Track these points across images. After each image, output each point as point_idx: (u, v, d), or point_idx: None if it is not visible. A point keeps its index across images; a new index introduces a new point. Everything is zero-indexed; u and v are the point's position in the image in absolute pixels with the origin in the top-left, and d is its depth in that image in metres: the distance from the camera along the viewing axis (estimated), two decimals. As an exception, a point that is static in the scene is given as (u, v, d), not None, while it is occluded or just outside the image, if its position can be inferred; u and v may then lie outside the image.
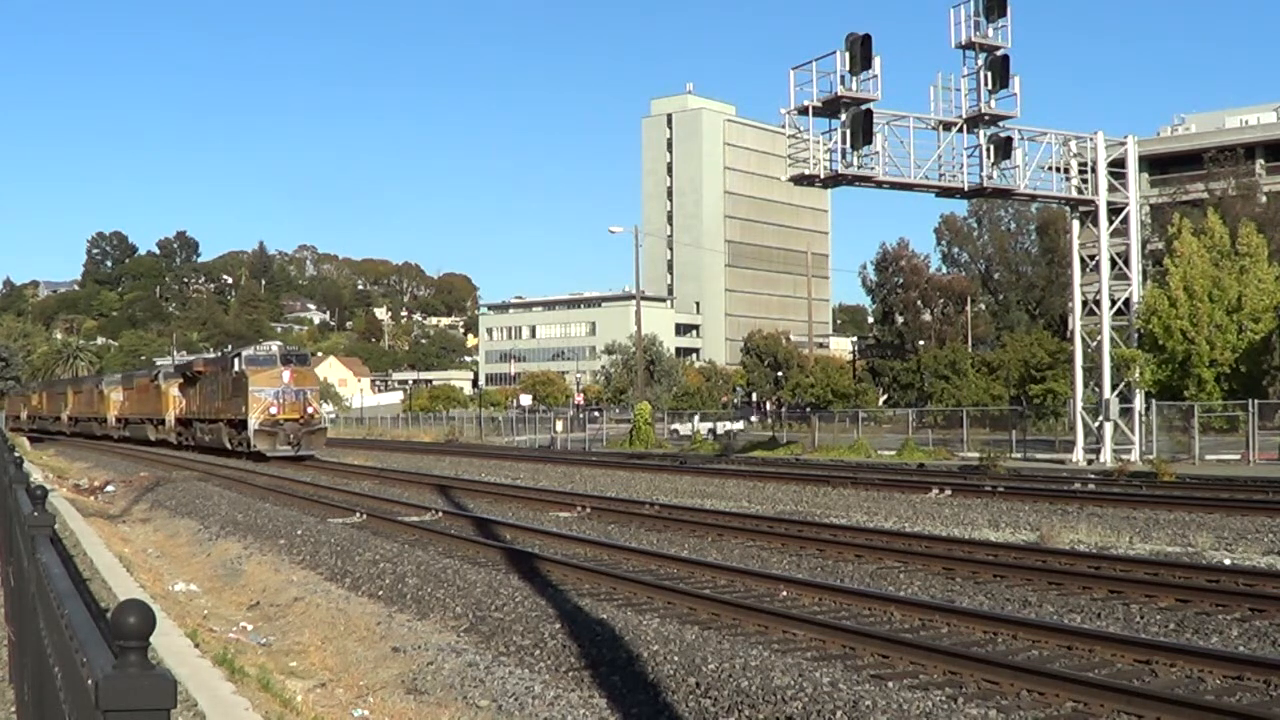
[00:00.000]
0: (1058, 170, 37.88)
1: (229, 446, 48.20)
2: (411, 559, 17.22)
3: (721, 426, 71.50)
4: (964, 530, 21.09)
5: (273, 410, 45.08)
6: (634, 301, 75.47)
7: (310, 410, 46.44)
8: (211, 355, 69.29)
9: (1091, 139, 37.29)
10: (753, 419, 75.79)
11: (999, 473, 33.30)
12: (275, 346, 49.99)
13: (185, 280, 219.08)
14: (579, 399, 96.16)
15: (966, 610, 12.73)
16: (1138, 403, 38.19)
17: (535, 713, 9.59)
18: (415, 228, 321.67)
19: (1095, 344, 38.05)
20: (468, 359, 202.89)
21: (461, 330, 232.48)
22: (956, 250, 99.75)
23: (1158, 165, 77.37)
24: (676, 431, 70.48)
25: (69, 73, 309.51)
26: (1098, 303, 37.99)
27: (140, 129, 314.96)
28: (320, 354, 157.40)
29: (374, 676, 11.21)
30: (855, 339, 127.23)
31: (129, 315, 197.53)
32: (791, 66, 32.21)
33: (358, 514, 24.47)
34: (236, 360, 47.73)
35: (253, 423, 44.83)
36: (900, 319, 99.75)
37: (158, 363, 76.42)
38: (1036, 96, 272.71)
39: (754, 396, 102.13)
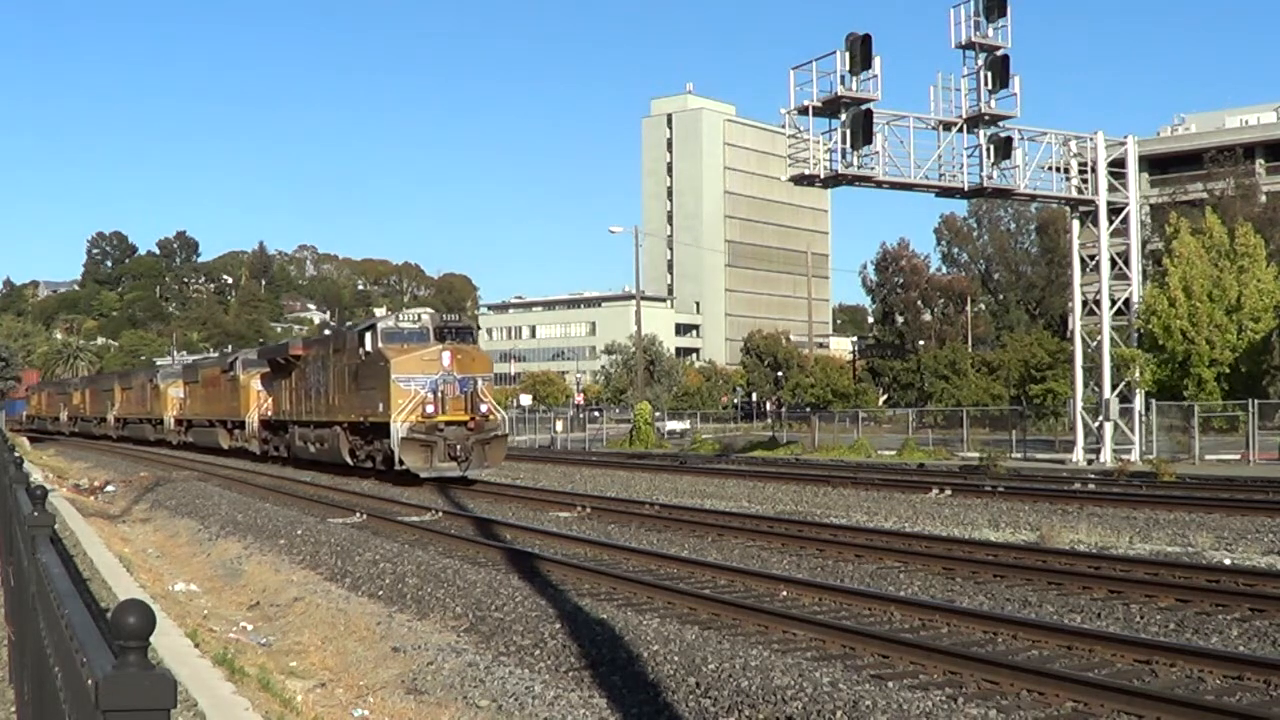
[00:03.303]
0: (1058, 170, 37.90)
1: (350, 461, 34.94)
2: (411, 559, 17.22)
3: (671, 425, 72.47)
4: (964, 530, 21.09)
5: (428, 409, 31.19)
6: (634, 301, 75.48)
7: (484, 409, 32.20)
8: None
9: (1091, 139, 37.31)
10: (689, 424, 76.53)
11: (999, 473, 33.30)
12: (426, 315, 34.02)
13: (185, 280, 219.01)
14: (579, 399, 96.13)
15: (966, 610, 12.73)
16: (1138, 403, 38.22)
17: (535, 713, 9.59)
18: (415, 228, 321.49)
19: (1095, 344, 38.06)
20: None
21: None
22: (956, 250, 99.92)
23: (1158, 165, 77.40)
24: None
25: (69, 73, 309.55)
26: (1098, 303, 38.00)
27: (140, 129, 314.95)
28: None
29: (374, 676, 11.21)
30: (855, 339, 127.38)
31: (129, 315, 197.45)
32: (791, 66, 32.29)
33: (358, 514, 24.48)
34: (369, 335, 33.28)
35: (399, 427, 30.92)
36: (900, 319, 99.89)
37: (236, 351, 59.52)
38: (1036, 96, 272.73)
39: (754, 396, 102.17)
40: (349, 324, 37.58)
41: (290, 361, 40.55)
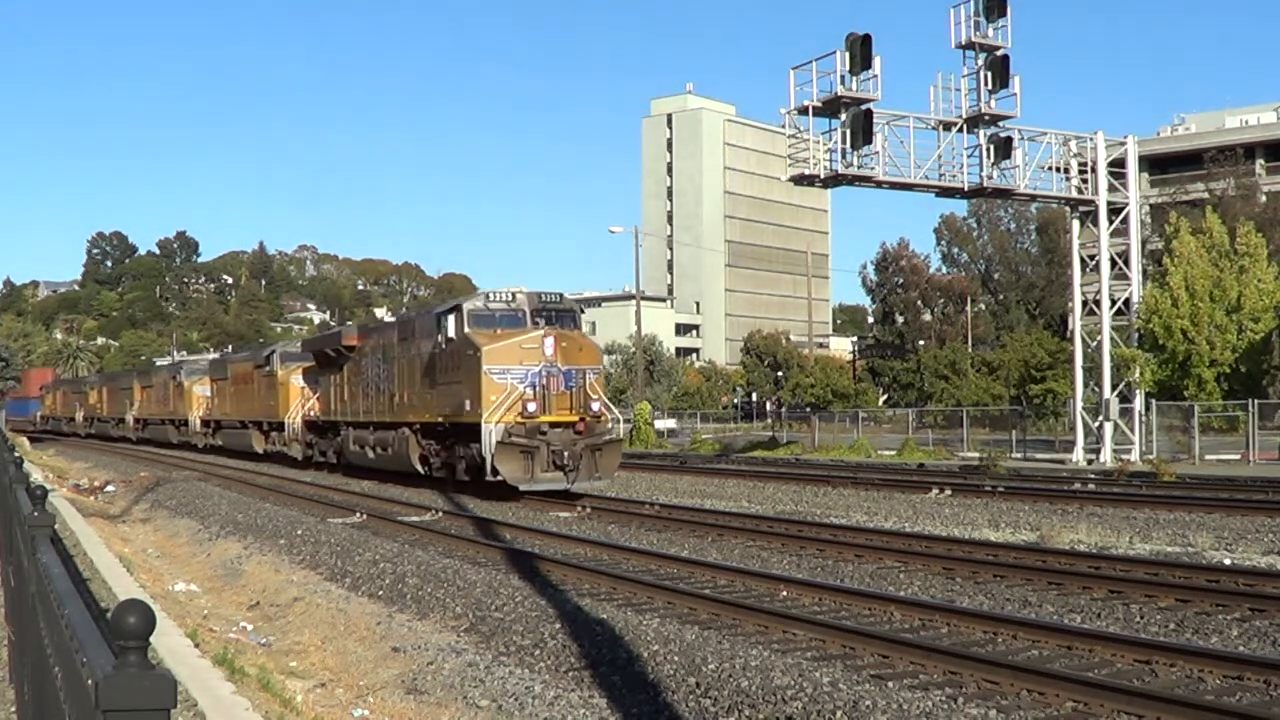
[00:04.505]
0: (1058, 170, 37.89)
1: (421, 470, 30.53)
2: (411, 559, 17.23)
3: (657, 424, 72.67)
4: (964, 530, 21.09)
5: (529, 406, 25.98)
6: (634, 301, 75.47)
7: (595, 407, 27.06)
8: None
9: (1091, 139, 37.30)
10: (675, 423, 76.56)
11: (999, 473, 33.30)
12: (521, 294, 28.25)
13: (185, 280, 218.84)
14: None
15: (966, 610, 12.73)
16: (1138, 403, 38.20)
17: (535, 713, 9.59)
18: (415, 228, 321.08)
19: (1095, 344, 38.06)
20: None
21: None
22: (956, 250, 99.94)
23: (1158, 165, 77.46)
24: None
25: (69, 73, 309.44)
26: (1098, 303, 38.00)
27: (140, 128, 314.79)
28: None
29: (374, 676, 11.21)
30: (855, 339, 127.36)
31: (129, 315, 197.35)
32: (791, 66, 32.27)
33: (358, 514, 24.48)
34: (451, 318, 28.14)
35: (493, 429, 25.85)
36: (900, 319, 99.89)
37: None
38: (1036, 96, 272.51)
39: (754, 396, 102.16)
40: (421, 308, 28.98)
41: (342, 353, 35.73)
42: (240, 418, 47.58)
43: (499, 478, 26.05)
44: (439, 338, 28.64)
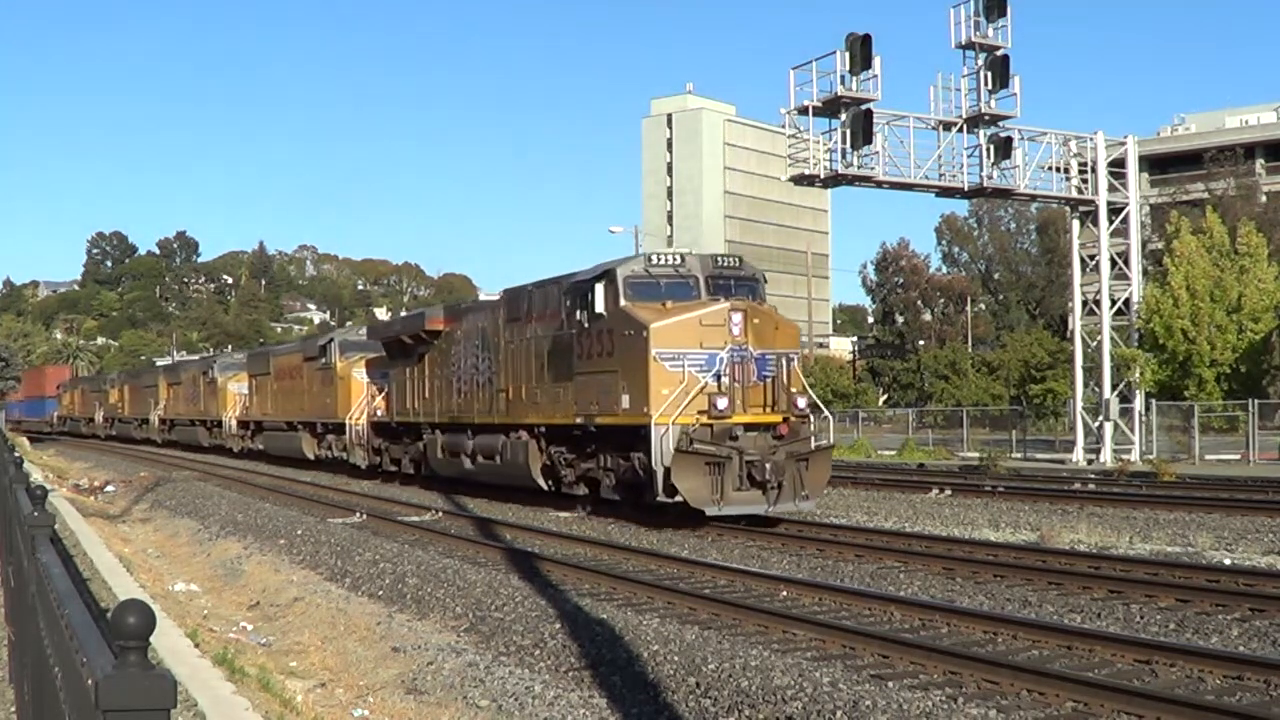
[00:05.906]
0: (1058, 170, 37.90)
1: (544, 485, 24.48)
2: (411, 559, 17.23)
3: None
4: (964, 530, 21.08)
5: (718, 403, 19.68)
6: (634, 301, 75.22)
7: (802, 404, 20.88)
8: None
9: (1091, 139, 37.31)
10: None
11: (999, 473, 33.29)
12: (691, 256, 22.18)
13: (185, 280, 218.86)
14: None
15: (966, 610, 12.73)
16: (1138, 403, 38.22)
17: (535, 713, 9.59)
18: (415, 228, 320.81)
19: (1095, 344, 38.07)
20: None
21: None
22: (956, 250, 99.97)
23: (1158, 165, 77.46)
24: None
25: (68, 72, 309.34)
26: (1098, 303, 38.02)
27: (140, 128, 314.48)
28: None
29: (374, 676, 11.21)
30: (855, 339, 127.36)
31: (129, 315, 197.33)
32: (791, 66, 32.25)
33: (358, 514, 24.48)
34: (602, 288, 21.44)
35: (668, 434, 19.65)
36: (900, 319, 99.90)
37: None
38: (1036, 96, 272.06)
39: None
40: (573, 276, 23.21)
41: (422, 339, 30.06)
42: (287, 418, 41.46)
43: (676, 498, 19.59)
44: (577, 315, 22.24)
